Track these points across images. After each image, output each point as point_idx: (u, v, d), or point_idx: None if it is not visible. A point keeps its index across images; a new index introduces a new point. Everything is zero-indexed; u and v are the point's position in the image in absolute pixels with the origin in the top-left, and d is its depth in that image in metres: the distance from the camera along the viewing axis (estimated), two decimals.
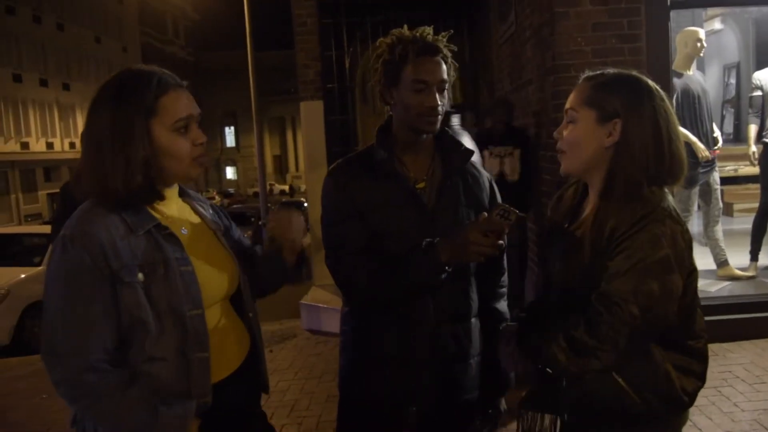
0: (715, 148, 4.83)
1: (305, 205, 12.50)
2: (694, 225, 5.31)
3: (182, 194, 1.56)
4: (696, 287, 1.47)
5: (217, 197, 37.20)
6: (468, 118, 4.32)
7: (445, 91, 1.72)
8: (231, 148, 54.12)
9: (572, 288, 1.50)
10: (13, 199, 28.04)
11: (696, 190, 4.76)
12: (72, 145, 30.71)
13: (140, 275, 1.34)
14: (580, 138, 1.47)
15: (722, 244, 4.96)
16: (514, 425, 1.56)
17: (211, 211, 1.63)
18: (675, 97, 4.54)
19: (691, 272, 1.43)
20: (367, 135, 6.84)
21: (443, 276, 1.64)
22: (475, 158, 1.92)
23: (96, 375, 1.31)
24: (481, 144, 4.35)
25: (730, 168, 6.81)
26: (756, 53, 8.15)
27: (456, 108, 4.40)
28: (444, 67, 1.70)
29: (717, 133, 4.95)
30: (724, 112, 8.65)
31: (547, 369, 1.45)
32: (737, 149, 6.62)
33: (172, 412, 1.37)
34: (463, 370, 1.80)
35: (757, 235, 5.03)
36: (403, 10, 5.39)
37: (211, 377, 1.44)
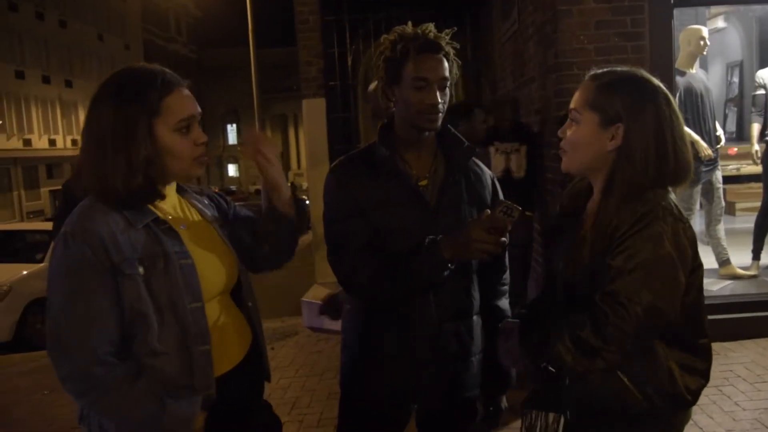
0: (734, 147, 4.82)
1: (307, 202, 12.50)
2: (696, 224, 5.30)
3: (179, 191, 1.57)
4: (701, 284, 1.46)
5: None
6: (478, 114, 4.27)
7: (447, 89, 1.72)
8: (233, 145, 54.12)
9: (574, 285, 1.50)
10: (16, 196, 28.08)
11: (698, 188, 4.75)
12: (74, 142, 30.72)
13: (140, 269, 1.35)
14: (583, 140, 1.47)
15: (724, 243, 4.95)
16: (514, 423, 1.56)
17: (206, 201, 1.63)
18: (678, 95, 4.53)
19: (696, 269, 1.43)
20: (369, 133, 6.83)
21: (446, 273, 1.64)
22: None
23: (103, 368, 1.32)
24: (487, 140, 4.35)
25: (732, 167, 6.80)
26: (759, 52, 8.13)
27: (465, 105, 4.37)
28: (445, 64, 1.69)
29: (719, 132, 4.95)
30: (727, 111, 8.64)
31: (550, 367, 1.45)
32: (740, 148, 6.61)
33: (179, 405, 1.38)
34: (465, 367, 1.80)
35: (759, 234, 5.03)
36: (406, 7, 5.37)
37: (215, 370, 1.45)
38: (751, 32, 8.34)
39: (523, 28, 5.00)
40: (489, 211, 1.57)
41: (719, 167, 4.97)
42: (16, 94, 27.41)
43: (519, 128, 4.63)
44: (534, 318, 1.60)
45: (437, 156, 1.80)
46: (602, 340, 1.35)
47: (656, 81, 1.46)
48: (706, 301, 1.51)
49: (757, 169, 5.30)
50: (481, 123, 4.07)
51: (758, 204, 5.17)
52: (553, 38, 4.08)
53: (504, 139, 4.41)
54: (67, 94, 30.84)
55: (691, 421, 1.52)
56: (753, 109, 5.16)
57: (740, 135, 7.86)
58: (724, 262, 4.96)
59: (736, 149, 4.78)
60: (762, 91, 5.02)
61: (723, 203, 5.03)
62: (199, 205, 1.58)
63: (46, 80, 29.46)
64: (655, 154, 1.40)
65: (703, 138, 4.64)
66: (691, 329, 1.46)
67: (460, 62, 1.76)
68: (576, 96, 1.50)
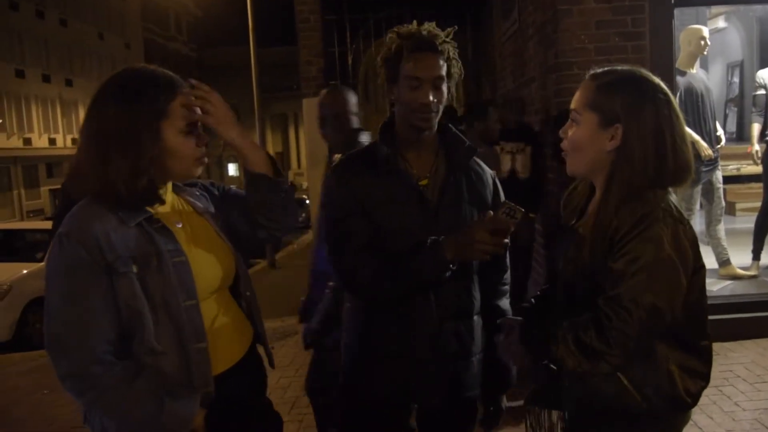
0: (749, 147, 4.85)
1: (307, 201, 12.51)
2: (696, 224, 5.30)
3: (174, 188, 1.57)
4: (703, 285, 1.46)
5: None
6: (493, 113, 4.25)
7: (443, 88, 1.70)
8: None
9: (574, 285, 1.50)
10: (16, 195, 28.06)
11: (698, 188, 4.75)
12: (74, 141, 30.68)
13: (134, 267, 1.36)
14: (583, 141, 1.47)
15: (724, 243, 4.95)
16: (514, 423, 1.56)
17: (197, 193, 1.62)
18: (678, 95, 4.53)
19: (697, 270, 1.42)
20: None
21: (447, 274, 1.64)
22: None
23: (102, 367, 1.32)
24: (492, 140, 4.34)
25: (732, 167, 6.80)
26: (760, 52, 8.12)
27: (480, 104, 4.35)
28: (441, 63, 1.68)
29: (720, 132, 4.94)
30: (727, 111, 8.63)
31: (551, 366, 1.45)
32: (740, 148, 6.60)
33: (178, 403, 1.38)
34: (465, 367, 1.80)
35: (759, 234, 5.03)
36: (407, 7, 5.37)
37: (214, 368, 1.45)
38: (752, 32, 8.33)
39: (524, 28, 4.99)
40: (492, 212, 1.57)
41: (719, 167, 4.96)
42: (16, 93, 27.39)
43: (524, 128, 4.63)
44: (535, 316, 1.61)
45: (438, 155, 1.80)
46: (605, 344, 1.35)
47: (656, 80, 1.45)
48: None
49: (758, 169, 5.30)
50: (495, 122, 4.06)
51: (758, 204, 5.17)
52: (554, 38, 4.08)
53: (509, 138, 4.41)
54: (67, 93, 30.82)
55: (690, 421, 1.52)
56: (753, 109, 5.16)
57: (740, 135, 7.85)
58: (724, 262, 4.96)
59: (751, 147, 4.83)
60: (762, 92, 5.02)
61: (723, 203, 5.03)
62: (192, 199, 1.58)
63: (46, 79, 29.43)
64: (654, 154, 1.39)
65: (703, 138, 4.64)
66: (692, 330, 1.46)
67: (459, 61, 1.75)
68: (576, 96, 1.49)
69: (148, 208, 1.43)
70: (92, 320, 1.33)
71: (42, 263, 6.98)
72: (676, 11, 4.09)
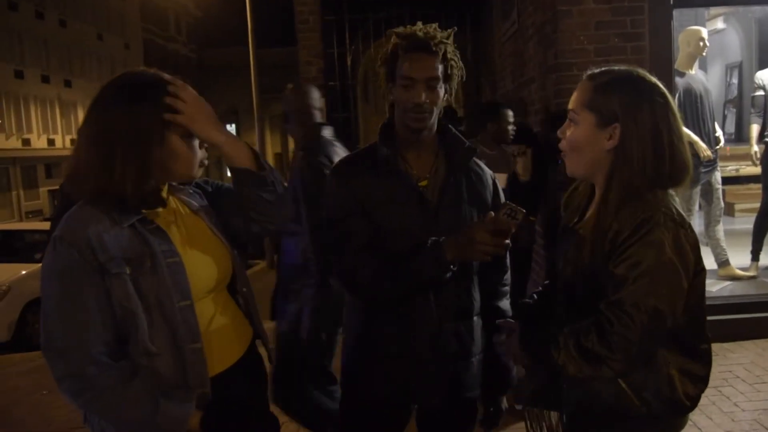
0: (726, 147, 4.84)
1: None
2: (696, 225, 5.30)
3: (169, 188, 1.56)
4: (704, 288, 1.46)
5: None
6: (506, 114, 4.22)
7: (437, 89, 1.69)
8: None
9: (574, 286, 1.50)
10: (15, 195, 28.04)
11: (697, 189, 4.76)
12: (73, 141, 30.67)
13: (127, 268, 1.36)
14: (581, 141, 1.46)
15: (723, 244, 4.95)
16: (514, 423, 1.56)
17: (191, 191, 1.61)
18: (677, 96, 4.53)
19: (698, 273, 1.42)
20: (369, 133, 6.83)
21: (448, 274, 1.64)
22: None
23: (97, 368, 1.32)
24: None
25: (731, 168, 6.80)
26: (759, 53, 8.14)
27: (490, 105, 4.32)
28: (436, 63, 1.67)
29: (719, 133, 4.95)
30: (726, 112, 8.64)
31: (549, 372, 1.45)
32: (739, 149, 6.61)
33: (173, 404, 1.38)
34: (465, 368, 1.80)
35: (758, 235, 5.03)
36: (406, 7, 5.38)
37: (211, 369, 1.45)
38: (751, 33, 8.34)
39: (523, 29, 5.00)
40: (493, 213, 1.57)
41: (718, 168, 4.97)
42: (15, 93, 27.37)
43: (525, 130, 4.62)
44: (535, 317, 1.61)
45: (438, 156, 1.80)
46: (607, 348, 1.35)
47: (654, 79, 1.45)
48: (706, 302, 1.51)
49: (757, 170, 5.30)
50: (508, 123, 4.04)
51: (757, 205, 5.17)
52: (553, 38, 4.09)
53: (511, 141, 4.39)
54: (66, 94, 30.79)
55: (690, 422, 1.52)
56: (752, 110, 5.16)
57: (739, 136, 7.86)
58: (723, 263, 4.96)
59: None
60: (761, 93, 5.02)
61: (722, 204, 5.03)
62: (186, 198, 1.58)
63: (45, 80, 29.41)
64: (652, 153, 1.39)
65: (702, 139, 4.64)
66: (692, 333, 1.46)
67: (460, 62, 1.75)
68: (574, 96, 1.49)
69: (143, 210, 1.43)
70: (87, 321, 1.33)
71: (41, 264, 6.97)
72: (675, 12, 4.09)
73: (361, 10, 6.22)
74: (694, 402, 1.46)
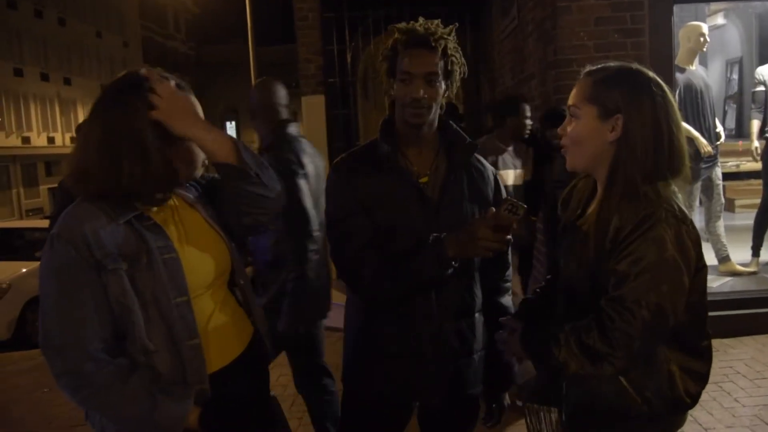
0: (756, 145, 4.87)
1: None
2: (696, 220, 5.29)
3: None
4: (705, 285, 1.46)
5: None
6: (525, 109, 4.18)
7: (437, 84, 1.69)
8: None
9: (575, 282, 1.50)
10: (15, 193, 28.04)
11: (698, 185, 4.76)
12: (73, 139, 30.67)
13: (124, 264, 1.36)
14: (583, 134, 1.46)
15: (724, 240, 4.96)
16: (516, 420, 1.56)
17: (186, 185, 1.60)
18: (677, 92, 4.52)
19: (700, 269, 1.42)
20: (369, 130, 6.82)
21: (449, 271, 1.63)
22: None
23: (95, 364, 1.32)
24: None
25: (732, 164, 6.80)
26: (759, 48, 8.13)
27: (509, 100, 4.27)
28: (435, 59, 1.67)
29: (719, 129, 4.95)
30: (726, 108, 8.63)
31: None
32: (739, 145, 6.60)
33: (171, 401, 1.38)
34: (467, 365, 1.80)
35: (758, 230, 5.03)
36: (406, 4, 5.36)
37: (211, 366, 1.45)
38: (751, 29, 8.34)
39: (523, 25, 4.99)
40: (494, 209, 1.57)
41: (719, 164, 4.97)
42: (14, 91, 27.35)
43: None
44: (536, 313, 1.60)
45: (439, 152, 1.79)
46: (608, 345, 1.35)
47: (651, 72, 1.46)
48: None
49: (757, 166, 5.31)
50: (526, 118, 3.98)
51: (758, 201, 5.17)
52: (553, 35, 4.08)
53: None
54: (65, 92, 30.77)
55: (690, 418, 1.52)
56: (753, 106, 5.16)
57: (740, 132, 7.86)
58: (723, 258, 4.96)
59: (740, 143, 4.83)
60: (762, 88, 5.02)
61: (723, 200, 5.03)
62: (182, 191, 1.57)
63: (44, 78, 29.38)
64: (652, 143, 1.40)
65: (702, 135, 4.64)
66: (693, 330, 1.46)
67: (462, 58, 1.74)
68: (573, 92, 1.49)
69: (137, 205, 1.42)
70: (84, 318, 1.33)
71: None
72: (676, 8, 4.09)
73: (360, 7, 6.21)
74: (694, 399, 1.45)
